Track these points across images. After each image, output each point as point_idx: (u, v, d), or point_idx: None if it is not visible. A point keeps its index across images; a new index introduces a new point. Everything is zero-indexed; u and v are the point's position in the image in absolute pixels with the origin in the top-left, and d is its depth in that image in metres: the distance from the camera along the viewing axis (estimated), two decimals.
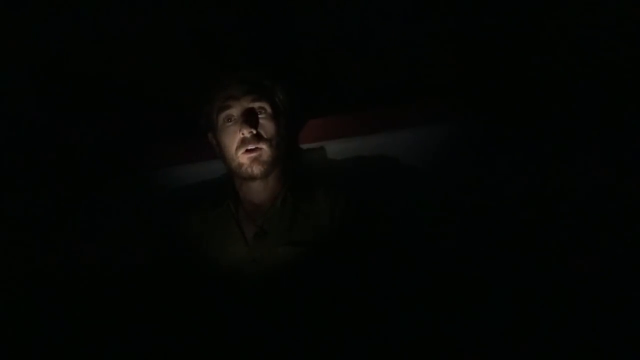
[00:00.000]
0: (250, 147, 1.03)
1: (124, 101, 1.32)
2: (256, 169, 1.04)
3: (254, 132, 1.03)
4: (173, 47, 1.31)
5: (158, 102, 1.32)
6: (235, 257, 1.02)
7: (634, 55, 1.16)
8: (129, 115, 1.32)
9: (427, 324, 1.00)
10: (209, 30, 1.31)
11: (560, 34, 1.23)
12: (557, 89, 1.19)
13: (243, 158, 1.04)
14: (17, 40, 1.22)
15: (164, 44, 1.30)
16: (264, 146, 1.04)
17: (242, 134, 1.03)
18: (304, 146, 1.25)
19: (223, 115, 1.06)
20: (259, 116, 1.06)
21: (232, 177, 1.12)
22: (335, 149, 1.24)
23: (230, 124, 1.06)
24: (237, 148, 1.04)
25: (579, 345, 0.94)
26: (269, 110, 1.06)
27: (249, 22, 1.32)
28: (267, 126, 1.06)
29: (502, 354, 0.96)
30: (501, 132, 1.20)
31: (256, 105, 1.06)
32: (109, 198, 1.23)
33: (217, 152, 1.11)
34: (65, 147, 1.26)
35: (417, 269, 1.08)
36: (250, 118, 1.04)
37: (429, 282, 1.06)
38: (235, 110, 1.05)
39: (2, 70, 1.23)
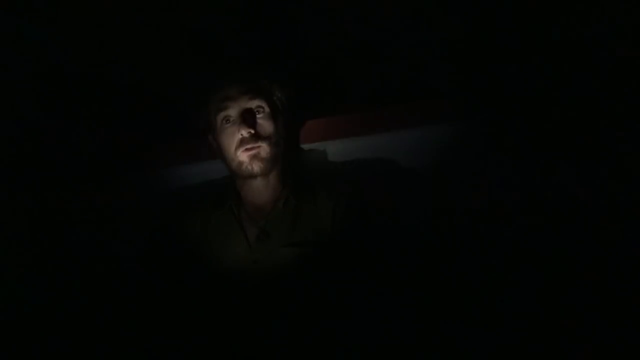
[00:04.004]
0: (249, 147, 1.03)
1: (124, 102, 1.32)
2: (256, 166, 1.04)
3: (252, 132, 1.03)
4: (174, 47, 1.31)
5: (158, 102, 1.32)
6: (237, 259, 1.02)
7: (635, 55, 1.16)
8: (129, 116, 1.32)
9: (428, 325, 1.00)
10: (211, 30, 1.31)
11: (560, 35, 1.23)
12: (557, 90, 1.19)
13: (243, 156, 1.04)
14: (17, 42, 1.22)
15: (165, 44, 1.30)
16: (263, 145, 1.04)
17: (241, 134, 1.03)
18: (305, 146, 1.25)
19: (221, 116, 1.06)
20: (257, 115, 1.06)
21: (233, 179, 1.12)
22: (335, 149, 1.24)
23: (228, 124, 1.06)
24: (236, 148, 1.04)
25: (579, 347, 0.94)
26: (266, 109, 1.06)
27: (251, 22, 1.32)
28: (265, 125, 1.06)
29: (502, 356, 0.96)
30: (501, 133, 1.20)
31: (254, 104, 1.06)
32: (109, 198, 1.23)
33: (218, 154, 1.11)
34: (65, 147, 1.26)
35: (417, 269, 1.08)
36: (248, 118, 1.04)
37: (429, 282, 1.06)
38: (232, 111, 1.05)
39: (2, 70, 1.23)
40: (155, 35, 1.28)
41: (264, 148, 1.04)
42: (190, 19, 1.28)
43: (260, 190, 1.08)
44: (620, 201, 1.07)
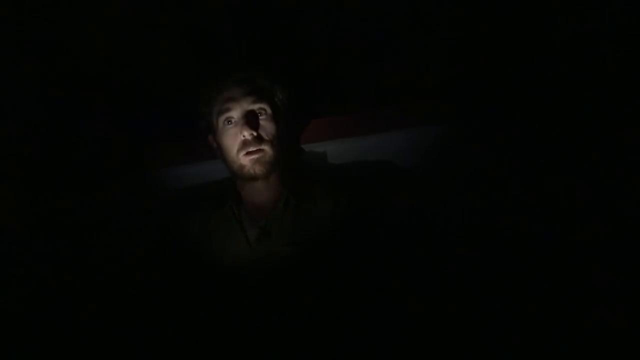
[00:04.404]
0: (251, 149, 1.03)
1: (124, 101, 1.32)
2: (258, 170, 1.04)
3: (255, 134, 1.03)
4: (174, 46, 1.31)
5: (158, 102, 1.32)
6: (237, 258, 1.02)
7: (635, 54, 1.16)
8: (129, 115, 1.32)
9: (427, 324, 1.00)
10: (211, 30, 1.31)
11: (559, 33, 1.23)
12: (556, 89, 1.19)
13: (245, 160, 1.04)
14: (17, 40, 1.22)
15: (165, 44, 1.30)
16: (265, 147, 1.04)
17: (243, 136, 1.03)
18: (305, 146, 1.25)
19: (223, 117, 1.06)
20: (260, 117, 1.06)
21: (233, 179, 1.12)
22: (335, 149, 1.24)
23: (230, 126, 1.06)
24: (239, 150, 1.04)
25: (579, 346, 0.94)
26: (268, 111, 1.06)
27: (251, 22, 1.32)
28: (267, 127, 1.05)
29: (501, 356, 0.96)
30: (501, 133, 1.20)
31: (256, 106, 1.06)
32: (109, 198, 1.23)
33: (218, 155, 1.11)
34: (65, 147, 1.26)
35: (417, 269, 1.08)
36: (250, 120, 1.04)
37: (428, 282, 1.06)
38: (235, 113, 1.05)
39: (2, 69, 1.23)
40: (155, 35, 1.28)
41: (266, 151, 1.04)
42: (191, 19, 1.28)
43: (261, 191, 1.09)
44: (621, 202, 1.07)
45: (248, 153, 1.03)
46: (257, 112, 1.06)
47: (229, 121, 1.06)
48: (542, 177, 1.15)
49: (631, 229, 1.04)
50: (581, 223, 1.08)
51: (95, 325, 1.07)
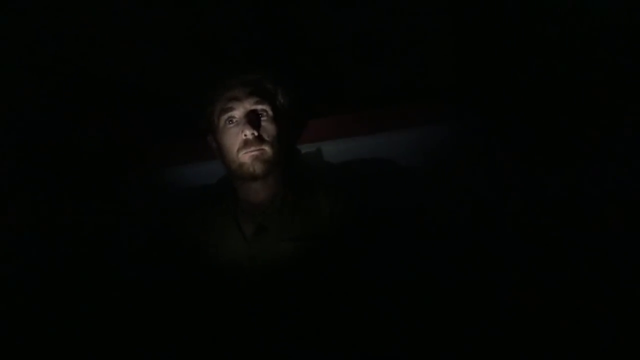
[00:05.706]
0: (252, 148, 1.03)
1: (125, 101, 1.33)
2: (257, 168, 1.04)
3: (256, 133, 1.03)
4: (175, 47, 1.31)
5: (158, 102, 1.33)
6: (234, 254, 1.02)
7: (636, 54, 1.16)
8: (130, 115, 1.32)
9: (426, 322, 1.00)
10: (211, 30, 1.31)
11: (561, 34, 1.23)
12: (558, 89, 1.19)
13: (244, 157, 1.04)
14: (18, 40, 1.22)
15: (166, 44, 1.30)
16: (266, 148, 1.05)
17: (245, 135, 1.03)
18: (304, 146, 1.25)
19: (225, 116, 1.06)
20: (261, 118, 1.06)
21: (231, 178, 1.12)
22: (335, 149, 1.25)
23: (232, 125, 1.06)
24: (239, 149, 1.05)
25: (580, 345, 0.94)
26: (270, 113, 1.07)
27: (251, 22, 1.32)
28: (268, 128, 1.06)
29: (502, 355, 0.96)
30: (501, 133, 1.20)
31: (258, 107, 1.06)
32: (109, 198, 1.23)
33: (217, 154, 1.12)
34: (65, 147, 1.26)
35: (414, 266, 1.08)
36: (252, 119, 1.04)
37: (427, 280, 1.06)
38: (237, 112, 1.06)
39: (3, 69, 1.24)
40: (157, 34, 1.28)
41: (266, 151, 1.05)
42: (193, 19, 1.29)
43: (258, 191, 1.09)
44: (621, 202, 1.07)
45: (249, 151, 1.03)
46: (259, 113, 1.06)
47: (230, 120, 1.06)
48: (542, 176, 1.15)
49: (631, 230, 1.04)
50: (582, 223, 1.08)
51: (96, 324, 1.08)
